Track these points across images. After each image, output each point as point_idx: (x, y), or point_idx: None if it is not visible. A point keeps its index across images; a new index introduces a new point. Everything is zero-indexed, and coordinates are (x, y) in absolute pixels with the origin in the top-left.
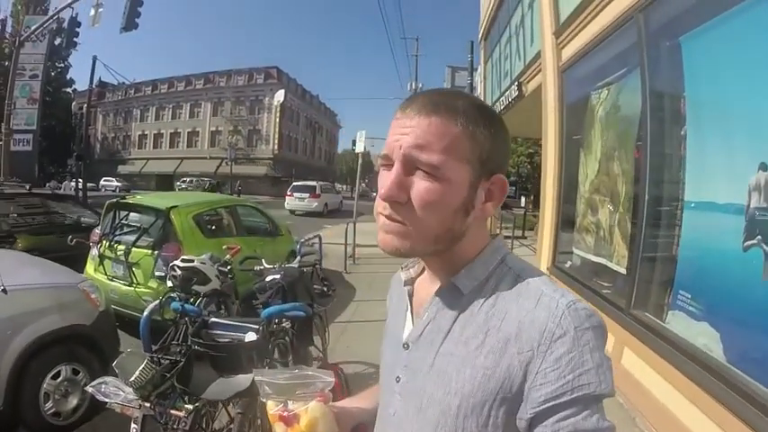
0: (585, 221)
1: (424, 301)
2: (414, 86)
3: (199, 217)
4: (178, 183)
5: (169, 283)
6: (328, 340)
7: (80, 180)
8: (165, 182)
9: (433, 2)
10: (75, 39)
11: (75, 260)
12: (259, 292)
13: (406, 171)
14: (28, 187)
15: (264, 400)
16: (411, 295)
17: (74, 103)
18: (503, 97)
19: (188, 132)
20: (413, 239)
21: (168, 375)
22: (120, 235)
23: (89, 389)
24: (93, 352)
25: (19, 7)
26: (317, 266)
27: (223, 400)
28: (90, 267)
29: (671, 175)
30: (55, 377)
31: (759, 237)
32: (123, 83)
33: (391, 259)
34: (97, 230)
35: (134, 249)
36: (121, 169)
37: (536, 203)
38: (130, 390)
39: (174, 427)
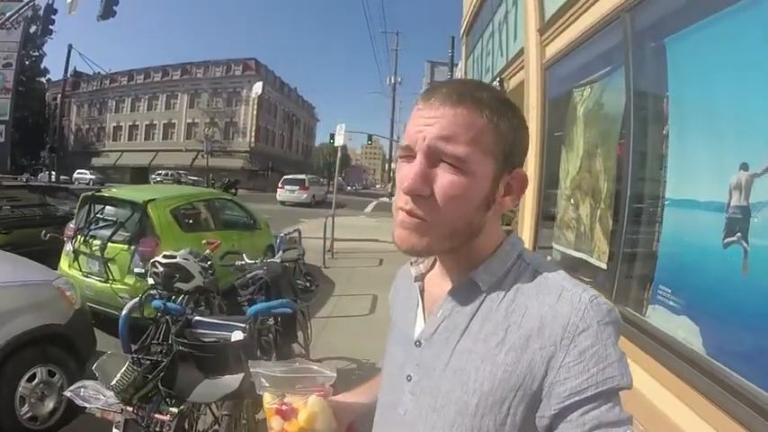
0: (566, 217)
1: (437, 298)
2: (392, 81)
3: (176, 211)
4: (153, 175)
5: (151, 281)
6: (311, 336)
7: (53, 173)
8: (139, 175)
9: None
10: (50, 26)
11: (48, 255)
12: (241, 288)
13: (429, 163)
14: (25, 179)
15: (261, 393)
16: (422, 291)
17: (48, 94)
18: None
19: (164, 124)
20: (431, 236)
21: (150, 377)
22: (95, 229)
23: (68, 394)
24: (69, 352)
25: None
26: (300, 261)
27: (211, 403)
28: (64, 263)
29: (653, 172)
30: (30, 380)
31: (739, 234)
32: (98, 73)
33: (370, 254)
34: (72, 225)
35: (110, 244)
36: (96, 162)
37: None
38: (111, 394)
39: (158, 431)
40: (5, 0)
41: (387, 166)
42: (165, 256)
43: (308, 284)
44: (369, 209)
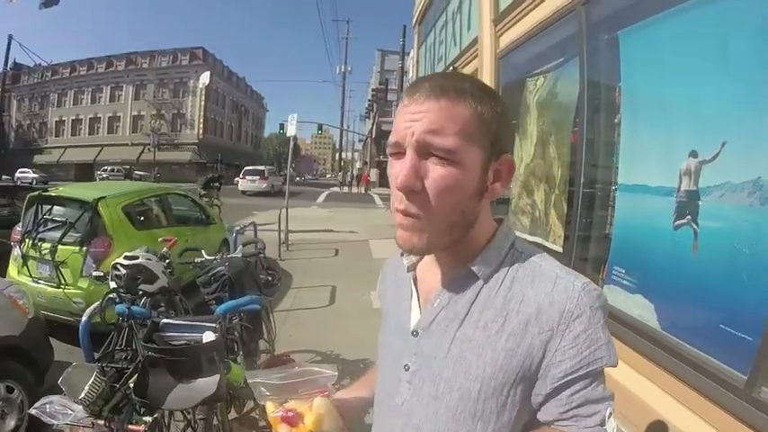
0: (521, 203)
1: (431, 287)
2: (342, 69)
3: (129, 208)
4: (99, 172)
5: (113, 284)
6: (275, 331)
7: None
8: (84, 171)
9: None
10: None
11: None
12: (203, 287)
13: (419, 158)
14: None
15: (262, 403)
16: (415, 281)
17: None
18: None
19: (108, 117)
20: (430, 233)
21: (117, 386)
22: (43, 232)
23: (33, 411)
24: (26, 366)
25: None
26: (261, 255)
27: (188, 409)
28: (12, 269)
29: (605, 159)
30: None
31: (689, 216)
32: (39, 65)
33: (325, 244)
34: (18, 228)
35: (60, 247)
36: (38, 159)
37: None
38: (80, 408)
39: None
40: None
41: (337, 155)
42: (126, 257)
43: (269, 278)
44: (321, 199)
